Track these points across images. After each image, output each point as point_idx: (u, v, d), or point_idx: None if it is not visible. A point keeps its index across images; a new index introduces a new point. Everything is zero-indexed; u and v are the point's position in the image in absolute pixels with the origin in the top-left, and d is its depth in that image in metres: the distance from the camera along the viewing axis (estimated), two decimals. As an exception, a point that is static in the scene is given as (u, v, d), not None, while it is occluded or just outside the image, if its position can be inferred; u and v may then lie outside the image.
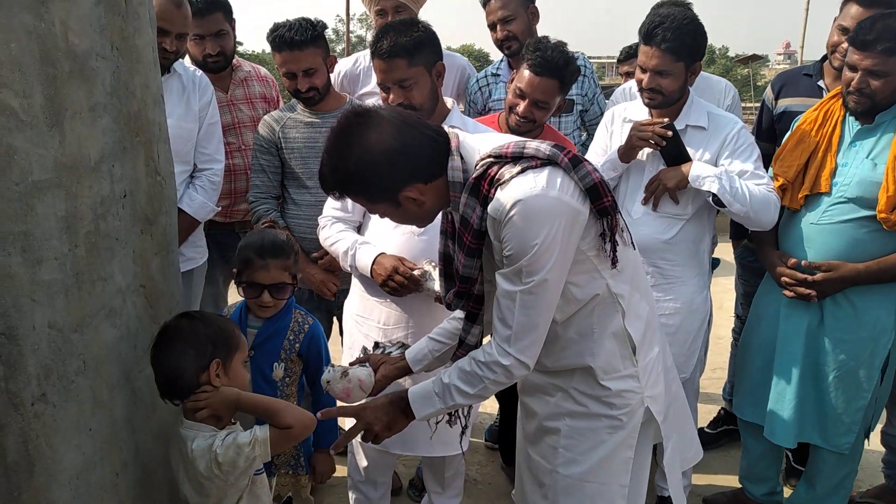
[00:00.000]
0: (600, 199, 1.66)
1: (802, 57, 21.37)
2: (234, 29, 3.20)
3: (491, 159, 1.67)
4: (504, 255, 1.65)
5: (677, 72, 2.54)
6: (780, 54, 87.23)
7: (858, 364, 2.49)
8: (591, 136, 3.40)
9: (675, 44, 2.49)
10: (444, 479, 2.62)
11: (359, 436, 1.89)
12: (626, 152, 2.66)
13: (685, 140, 2.62)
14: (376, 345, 2.16)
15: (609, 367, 1.78)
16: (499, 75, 3.40)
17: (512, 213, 1.59)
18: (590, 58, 3.57)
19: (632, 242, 1.81)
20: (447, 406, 1.78)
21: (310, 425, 1.73)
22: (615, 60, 5.39)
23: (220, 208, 3.00)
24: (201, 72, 2.93)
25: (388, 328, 2.35)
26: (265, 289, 2.18)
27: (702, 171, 2.51)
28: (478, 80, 3.44)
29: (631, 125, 2.72)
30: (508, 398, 3.04)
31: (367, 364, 2.03)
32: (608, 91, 3.83)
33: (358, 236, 2.41)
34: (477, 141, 1.76)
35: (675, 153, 2.59)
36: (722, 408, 3.61)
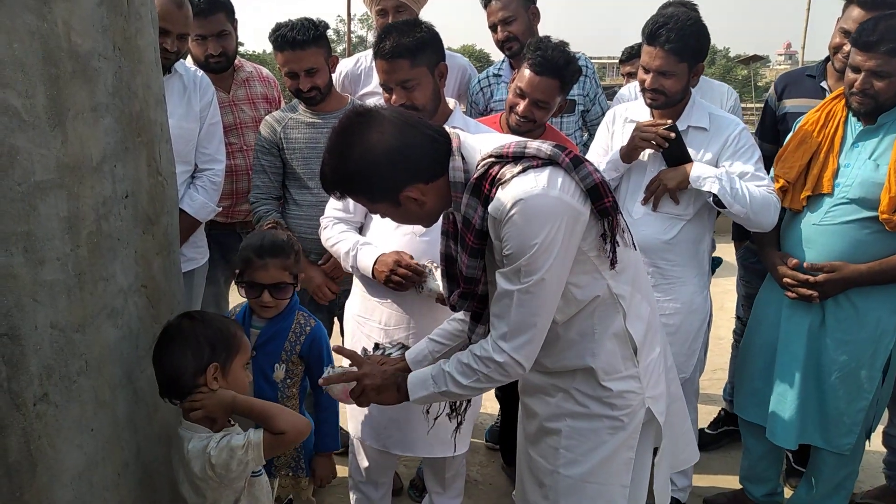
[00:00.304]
0: (601, 200, 1.66)
1: (804, 57, 21.38)
2: (236, 29, 3.20)
3: (492, 159, 1.67)
4: (504, 255, 1.65)
5: (680, 72, 2.55)
6: (781, 55, 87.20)
7: (860, 365, 2.49)
8: (592, 137, 3.41)
9: (679, 44, 2.49)
10: (445, 479, 2.62)
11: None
12: (629, 153, 2.66)
13: (687, 141, 2.62)
14: (376, 346, 2.16)
15: (610, 367, 1.78)
16: (500, 76, 3.40)
17: (512, 212, 1.59)
18: (591, 58, 3.58)
19: (633, 243, 1.81)
20: (440, 391, 1.78)
21: (304, 431, 1.74)
22: (616, 61, 5.39)
23: (221, 209, 3.00)
24: (202, 72, 2.93)
25: (390, 329, 2.35)
26: (265, 289, 2.18)
27: (702, 172, 2.51)
28: (479, 81, 3.44)
29: (632, 125, 2.73)
30: (509, 398, 3.05)
31: (368, 364, 2.04)
32: (609, 91, 3.83)
33: (360, 237, 2.41)
34: (478, 141, 1.76)
35: (676, 154, 2.59)
36: (722, 408, 3.61)
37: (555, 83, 2.65)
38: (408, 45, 2.25)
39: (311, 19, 2.79)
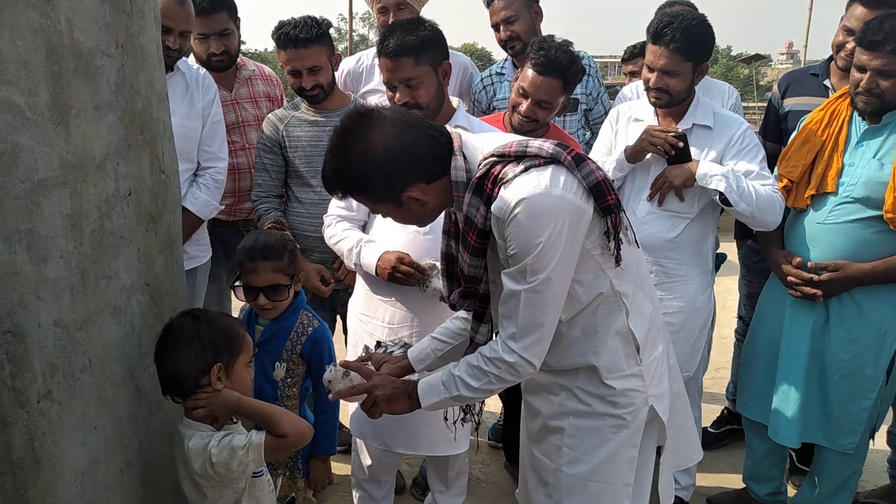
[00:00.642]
0: (604, 198, 1.65)
1: (806, 56, 21.34)
2: (238, 28, 3.20)
3: (494, 158, 1.67)
4: (508, 254, 1.65)
5: (685, 72, 2.54)
6: (782, 54, 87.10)
7: (864, 364, 2.48)
8: (594, 136, 3.40)
9: (684, 44, 2.49)
10: (448, 477, 2.62)
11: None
12: (634, 154, 2.66)
13: (691, 139, 2.62)
14: (378, 344, 2.16)
15: (613, 366, 1.78)
16: (503, 74, 3.40)
17: (516, 211, 1.59)
18: (593, 57, 3.57)
19: (635, 241, 1.81)
20: (451, 396, 1.77)
21: (306, 435, 1.73)
22: (618, 60, 5.38)
23: (223, 207, 3.00)
24: (204, 70, 2.93)
25: (393, 327, 2.35)
26: (260, 292, 2.17)
27: (709, 170, 2.51)
28: (482, 80, 3.44)
29: (637, 124, 2.72)
30: (512, 396, 3.04)
31: (369, 363, 2.03)
32: (611, 90, 3.82)
33: (363, 235, 2.41)
34: (479, 140, 1.76)
35: (679, 160, 2.59)
36: (725, 407, 3.61)
37: (558, 83, 2.64)
38: (412, 43, 2.25)
39: (314, 17, 2.79)
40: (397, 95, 2.31)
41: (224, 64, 3.13)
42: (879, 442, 2.81)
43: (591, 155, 2.82)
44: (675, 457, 1.98)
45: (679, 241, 2.64)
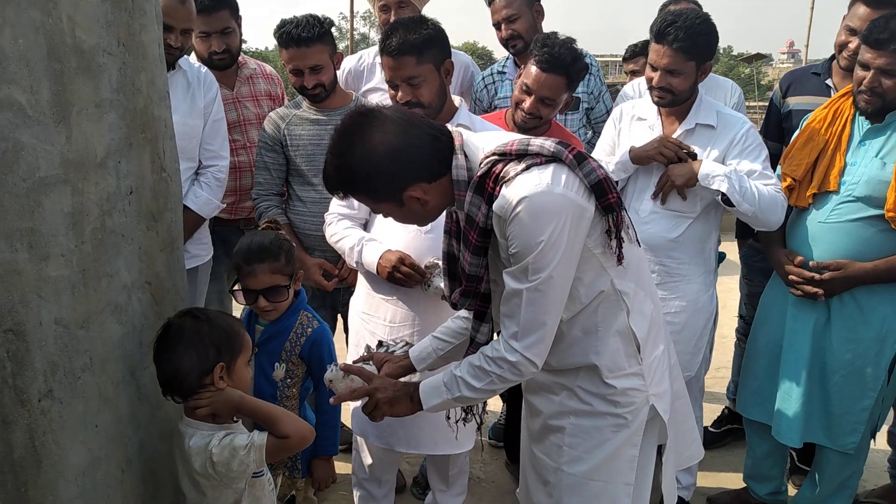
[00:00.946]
0: (605, 196, 1.65)
1: (807, 56, 21.32)
2: (240, 26, 3.20)
3: (495, 157, 1.67)
4: (510, 253, 1.65)
5: (688, 71, 2.54)
6: (783, 53, 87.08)
7: (865, 363, 2.48)
8: (596, 135, 3.40)
9: (688, 43, 2.48)
10: (449, 476, 2.62)
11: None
12: (641, 159, 2.65)
13: (694, 138, 2.62)
14: (380, 343, 2.15)
15: (614, 365, 1.77)
16: (504, 73, 3.39)
17: (517, 210, 1.59)
18: (594, 56, 3.57)
19: (637, 239, 1.81)
20: (454, 397, 1.77)
21: (308, 437, 1.73)
22: (619, 59, 5.37)
23: (225, 205, 3.00)
24: (206, 68, 2.93)
25: (395, 326, 2.35)
26: (259, 294, 2.16)
27: (711, 170, 2.51)
28: (484, 78, 3.44)
29: (640, 123, 2.72)
30: (514, 395, 3.04)
31: (371, 362, 2.03)
32: (612, 89, 3.82)
33: (364, 233, 2.40)
34: (481, 139, 1.75)
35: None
36: (726, 407, 3.61)
37: (561, 80, 2.63)
38: (414, 41, 2.25)
39: (315, 16, 2.78)
40: (399, 94, 2.31)
41: (225, 62, 3.13)
42: (880, 441, 2.81)
43: (594, 154, 2.81)
44: (676, 456, 1.98)
45: (681, 241, 2.64)
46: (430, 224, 1.89)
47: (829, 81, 2.98)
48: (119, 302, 1.63)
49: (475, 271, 1.76)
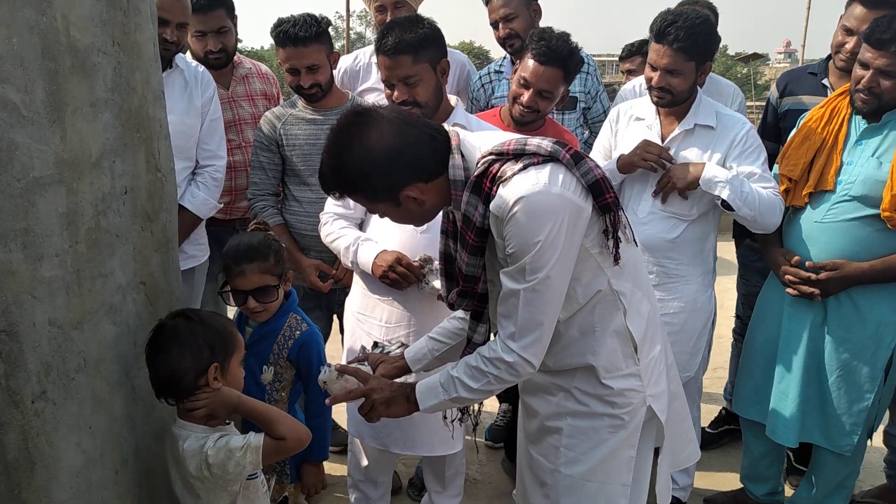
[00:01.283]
0: (602, 196, 1.65)
1: (804, 56, 21.35)
2: (235, 26, 3.19)
3: (492, 157, 1.66)
4: (507, 253, 1.65)
5: (688, 71, 2.53)
6: (780, 53, 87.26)
7: (861, 363, 2.48)
8: (593, 134, 3.40)
9: (688, 43, 2.47)
10: (445, 478, 2.61)
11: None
12: (626, 166, 2.65)
13: (693, 139, 2.62)
14: (375, 344, 2.15)
15: (611, 365, 1.77)
16: (502, 72, 3.39)
17: (514, 210, 1.58)
18: (591, 55, 3.57)
19: (634, 239, 1.81)
20: (450, 398, 1.77)
21: (304, 440, 1.73)
22: (616, 59, 5.37)
23: (222, 205, 2.99)
24: (203, 67, 2.91)
25: (390, 326, 2.34)
26: (248, 295, 2.13)
27: (714, 175, 2.49)
28: (481, 77, 3.44)
29: (638, 123, 2.72)
30: (515, 395, 3.04)
31: (366, 363, 2.02)
32: (609, 89, 3.82)
33: (360, 233, 2.40)
34: (478, 139, 1.75)
35: None
36: (723, 407, 3.61)
37: (559, 73, 2.64)
38: (410, 41, 2.24)
39: (313, 15, 2.77)
40: (395, 93, 2.30)
41: (221, 62, 3.12)
42: (877, 442, 2.81)
43: (591, 155, 2.81)
44: (673, 457, 1.98)
45: (680, 242, 2.64)
46: (426, 224, 1.88)
47: (825, 81, 2.98)
48: (114, 302, 1.62)
49: (472, 271, 1.76)
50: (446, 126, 1.78)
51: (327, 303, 2.97)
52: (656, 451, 1.93)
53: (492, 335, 1.85)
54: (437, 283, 2.17)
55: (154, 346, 1.69)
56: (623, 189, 2.75)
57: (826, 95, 2.80)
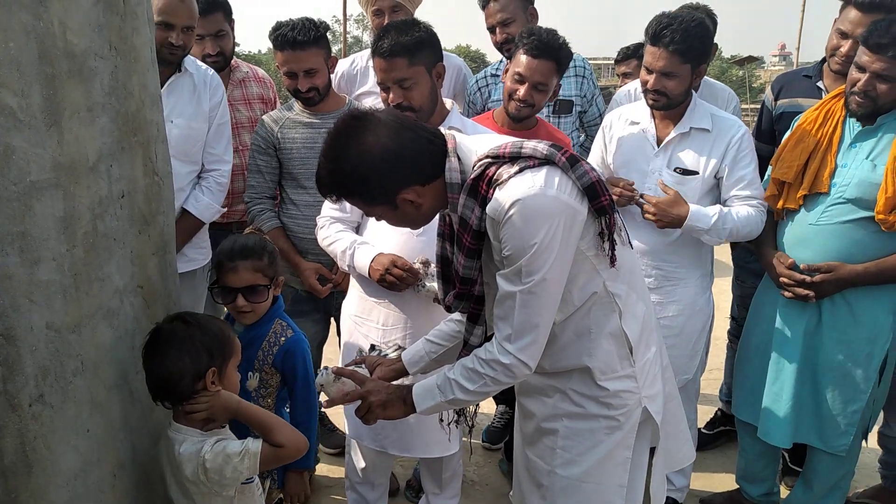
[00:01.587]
0: (598, 198, 1.66)
1: (798, 58, 21.42)
2: (233, 29, 3.19)
3: (488, 160, 1.67)
4: (503, 256, 1.65)
5: (683, 73, 2.54)
6: (775, 56, 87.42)
7: (856, 365, 2.49)
8: (589, 138, 3.41)
9: (684, 45, 2.49)
10: (442, 479, 2.61)
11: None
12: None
13: (689, 142, 2.64)
14: (372, 347, 2.15)
15: (606, 367, 1.78)
16: (498, 76, 3.39)
17: (510, 212, 1.59)
18: (587, 59, 3.58)
19: (629, 242, 1.82)
20: (447, 400, 1.77)
21: (302, 448, 1.73)
22: (612, 62, 5.39)
23: (225, 210, 2.99)
24: (213, 71, 2.90)
25: (387, 329, 2.35)
26: (238, 292, 2.12)
27: (696, 224, 2.54)
28: (477, 81, 3.45)
29: (633, 126, 2.74)
30: (514, 396, 3.05)
31: (363, 366, 2.03)
32: (605, 92, 3.83)
33: (356, 236, 2.40)
34: (474, 142, 1.76)
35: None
36: (719, 409, 3.62)
37: (552, 65, 2.68)
38: (406, 43, 2.25)
39: (311, 20, 2.78)
40: (391, 96, 2.31)
41: (219, 65, 3.12)
42: (871, 442, 2.82)
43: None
44: (668, 458, 1.98)
45: (678, 245, 2.65)
46: (422, 227, 1.89)
47: (820, 84, 3.00)
48: (111, 306, 1.63)
49: (469, 274, 1.76)
50: (442, 129, 1.79)
51: (325, 306, 2.97)
52: (652, 452, 1.94)
53: (488, 337, 1.85)
54: (434, 286, 2.17)
55: (152, 348, 1.69)
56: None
57: (820, 98, 2.81)
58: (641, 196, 2.61)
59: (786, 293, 2.55)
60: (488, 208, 1.63)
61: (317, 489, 3.15)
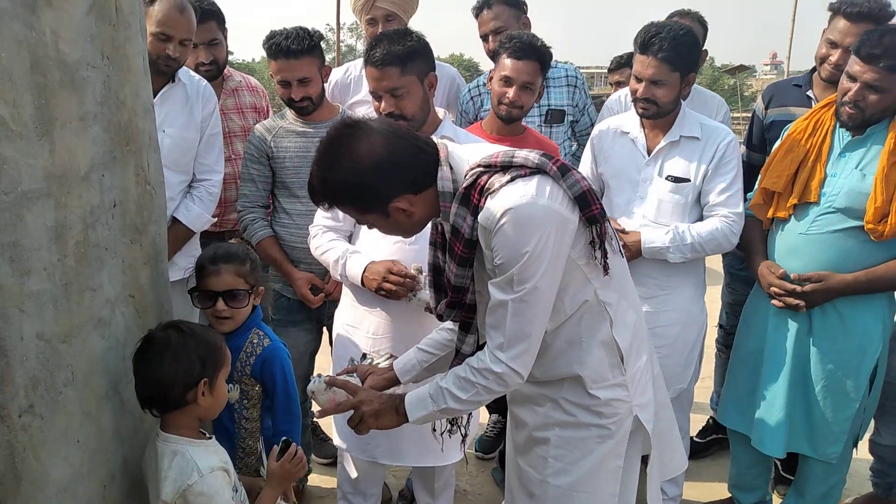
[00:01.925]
0: (589, 207, 1.67)
1: (789, 67, 21.58)
2: (226, 38, 3.20)
3: (480, 169, 1.68)
4: (495, 264, 1.66)
5: (672, 82, 2.56)
6: (767, 65, 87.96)
7: (846, 374, 2.50)
8: (581, 147, 3.42)
9: (672, 53, 2.51)
10: (435, 489, 2.61)
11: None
12: None
13: (679, 150, 2.65)
14: (364, 356, 2.15)
15: (598, 375, 1.78)
16: (490, 85, 3.41)
17: (502, 221, 1.60)
18: (579, 68, 3.60)
19: (620, 251, 1.82)
20: (439, 409, 1.77)
21: None
22: (605, 70, 5.41)
23: (216, 219, 2.98)
24: (206, 81, 2.90)
25: (378, 338, 2.35)
26: (219, 297, 2.10)
27: (651, 242, 2.59)
28: (469, 90, 3.46)
29: (623, 137, 2.75)
30: (507, 405, 3.05)
31: (355, 375, 2.03)
32: (598, 101, 3.85)
33: (349, 245, 2.40)
34: (466, 151, 1.77)
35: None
36: (711, 417, 3.62)
37: (536, 65, 2.77)
38: (398, 53, 2.27)
39: (305, 29, 2.78)
40: (382, 105, 2.32)
41: (212, 74, 3.13)
42: (862, 450, 2.83)
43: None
44: (661, 466, 1.99)
45: None
46: (414, 236, 1.89)
47: (810, 93, 3.02)
48: (102, 316, 1.62)
49: (461, 282, 1.77)
50: (434, 138, 1.80)
51: (317, 315, 2.97)
52: (644, 461, 1.94)
53: (480, 346, 1.86)
54: (426, 295, 2.18)
55: (144, 355, 1.68)
56: (612, 201, 2.76)
57: (810, 107, 2.84)
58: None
59: (776, 303, 2.56)
60: (480, 217, 1.64)
61: (309, 499, 3.13)
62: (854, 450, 2.67)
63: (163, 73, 2.61)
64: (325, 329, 3.06)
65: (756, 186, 2.70)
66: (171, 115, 2.69)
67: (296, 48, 2.70)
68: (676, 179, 2.64)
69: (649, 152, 2.70)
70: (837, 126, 2.52)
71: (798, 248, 2.54)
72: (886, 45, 2.29)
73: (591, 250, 1.71)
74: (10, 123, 1.32)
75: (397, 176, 1.65)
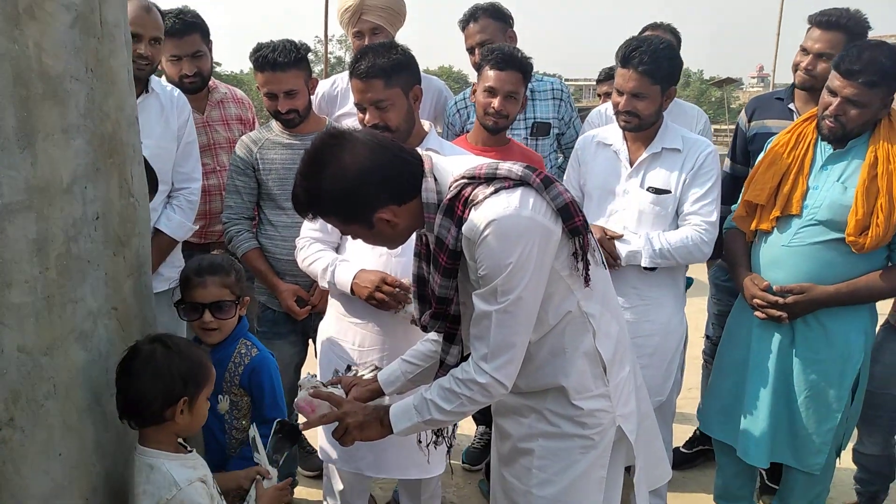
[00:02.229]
0: (572, 219, 1.68)
1: (774, 80, 21.82)
2: (210, 50, 3.20)
3: (464, 180, 1.69)
4: (479, 275, 1.67)
5: (653, 94, 2.60)
6: (753, 77, 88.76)
7: (829, 384, 2.52)
8: (567, 159, 3.44)
9: (653, 66, 2.55)
10: (421, 501, 2.60)
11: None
12: None
13: (660, 161, 2.69)
14: (348, 367, 2.15)
15: (581, 386, 1.79)
16: (476, 98, 3.42)
17: (486, 233, 1.61)
18: (566, 80, 3.63)
19: (602, 262, 1.84)
20: (424, 420, 1.77)
21: None
22: (593, 82, 5.46)
23: (197, 227, 2.98)
24: (178, 91, 2.92)
25: (364, 349, 2.35)
26: (205, 308, 2.10)
27: (629, 245, 2.63)
28: (456, 103, 3.47)
29: (605, 149, 2.77)
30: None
31: (339, 386, 2.02)
32: (584, 114, 3.88)
33: (337, 255, 2.41)
34: (450, 163, 1.78)
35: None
36: (697, 428, 3.63)
37: (519, 75, 2.80)
38: (383, 65, 2.28)
39: (292, 41, 2.79)
40: (367, 117, 2.33)
41: (196, 86, 3.13)
42: (845, 460, 2.85)
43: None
44: (645, 476, 1.99)
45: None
46: (399, 247, 1.90)
47: (791, 106, 3.06)
48: (85, 328, 1.61)
49: (445, 293, 1.77)
50: (419, 150, 1.81)
51: (303, 328, 2.96)
52: (627, 471, 1.95)
53: (464, 357, 1.86)
54: (411, 308, 2.18)
55: (128, 367, 1.67)
56: (593, 212, 2.78)
57: (792, 119, 2.88)
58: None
59: (759, 315, 2.58)
60: (464, 228, 1.65)
61: (296, 511, 3.12)
62: (837, 459, 2.68)
63: (137, 77, 2.62)
64: (310, 341, 3.06)
65: (740, 199, 2.73)
66: (147, 126, 2.69)
67: (282, 61, 2.71)
68: (658, 191, 2.67)
69: (632, 164, 2.73)
70: (819, 139, 2.55)
71: (781, 259, 2.56)
72: (865, 61, 2.32)
73: (573, 262, 1.72)
74: (-8, 136, 1.32)
75: (381, 187, 1.66)
